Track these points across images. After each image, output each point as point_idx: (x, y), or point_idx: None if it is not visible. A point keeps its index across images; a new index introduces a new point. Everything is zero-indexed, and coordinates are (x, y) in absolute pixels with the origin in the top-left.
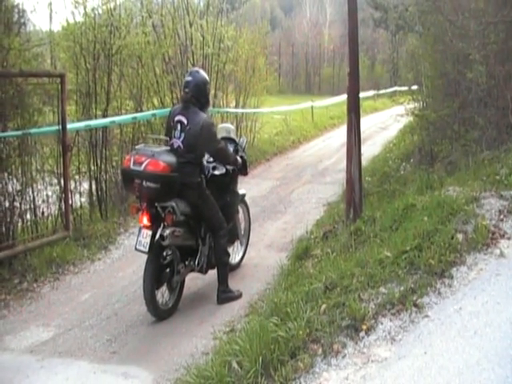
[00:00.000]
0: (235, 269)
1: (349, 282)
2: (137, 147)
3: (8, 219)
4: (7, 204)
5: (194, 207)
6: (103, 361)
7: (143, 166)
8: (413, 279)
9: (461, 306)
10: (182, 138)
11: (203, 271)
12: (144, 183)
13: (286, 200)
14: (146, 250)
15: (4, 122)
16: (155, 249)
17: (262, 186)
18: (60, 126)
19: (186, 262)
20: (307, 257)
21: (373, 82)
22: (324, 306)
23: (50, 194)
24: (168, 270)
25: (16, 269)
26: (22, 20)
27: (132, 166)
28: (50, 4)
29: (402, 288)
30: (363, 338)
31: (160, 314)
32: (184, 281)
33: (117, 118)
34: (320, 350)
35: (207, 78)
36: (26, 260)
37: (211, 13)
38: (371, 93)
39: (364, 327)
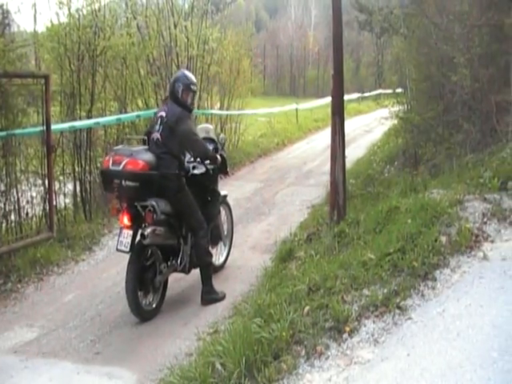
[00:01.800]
0: (219, 270)
1: (332, 284)
2: (115, 148)
3: None
4: None
5: (174, 204)
6: (87, 361)
7: (122, 165)
8: (396, 281)
9: (444, 308)
10: (160, 130)
11: (186, 271)
12: (123, 182)
13: (270, 202)
14: (128, 249)
15: None
16: (137, 249)
17: (246, 188)
18: (44, 127)
19: (169, 262)
20: (291, 259)
21: (357, 84)
22: (307, 308)
23: (34, 194)
24: (150, 270)
25: (0, 269)
26: (6, 21)
27: (111, 167)
28: (35, 5)
29: (385, 290)
30: (346, 339)
31: (143, 314)
32: (167, 281)
33: (101, 120)
34: (303, 352)
35: (176, 76)
36: (10, 261)
37: (196, 14)
38: (356, 95)
39: (347, 329)
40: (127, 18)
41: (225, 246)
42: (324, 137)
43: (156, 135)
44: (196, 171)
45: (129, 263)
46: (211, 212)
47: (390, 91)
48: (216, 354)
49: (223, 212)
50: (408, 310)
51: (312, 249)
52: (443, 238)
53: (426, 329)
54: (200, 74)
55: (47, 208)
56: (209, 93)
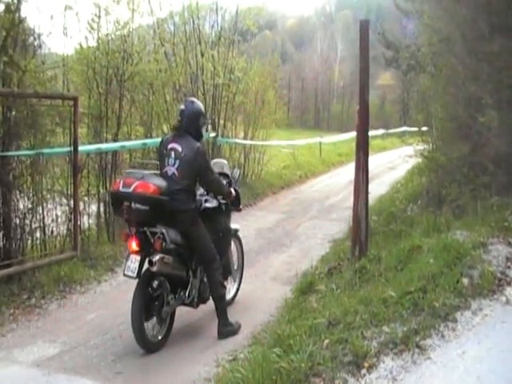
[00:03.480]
0: (229, 305)
1: (352, 319)
2: (127, 171)
3: (18, 236)
4: (18, 221)
5: (186, 236)
6: (108, 380)
7: (132, 187)
8: (416, 320)
9: (464, 350)
10: (176, 165)
11: (194, 305)
12: (133, 205)
13: (292, 234)
14: (134, 275)
15: (18, 141)
16: (144, 277)
17: (268, 219)
18: (72, 148)
19: (176, 295)
20: (311, 291)
21: (382, 120)
22: (327, 341)
23: (59, 213)
24: (157, 300)
25: (25, 284)
26: (38, 42)
27: (121, 189)
28: (65, 28)
29: (405, 328)
30: (364, 375)
31: (148, 346)
32: (174, 313)
33: (127, 143)
34: None
35: (201, 109)
36: (35, 277)
37: (222, 44)
38: (381, 131)
39: (366, 364)
40: (155, 44)
41: (234, 280)
42: (347, 171)
43: (171, 170)
44: (208, 204)
45: (135, 291)
46: (223, 247)
47: (415, 129)
48: (235, 381)
49: (233, 246)
50: (427, 349)
51: (333, 283)
52: (465, 280)
53: (446, 370)
54: (225, 102)
55: (72, 227)
56: (233, 122)
